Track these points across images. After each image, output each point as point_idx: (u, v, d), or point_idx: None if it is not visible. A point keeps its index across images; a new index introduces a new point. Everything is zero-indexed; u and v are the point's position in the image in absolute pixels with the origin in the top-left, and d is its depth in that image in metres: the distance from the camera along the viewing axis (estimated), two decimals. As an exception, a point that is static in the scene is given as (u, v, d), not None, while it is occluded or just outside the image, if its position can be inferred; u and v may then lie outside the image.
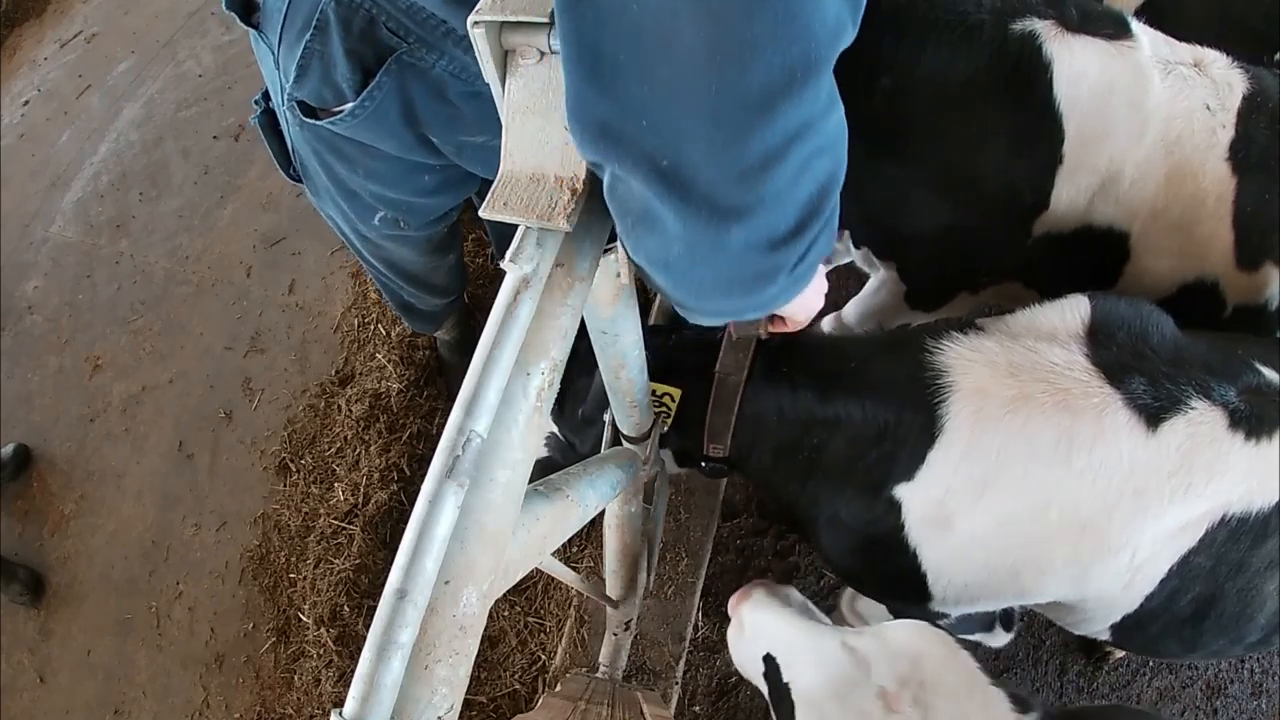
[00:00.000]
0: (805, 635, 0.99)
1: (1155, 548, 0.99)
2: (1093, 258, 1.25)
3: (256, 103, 1.31)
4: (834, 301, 2.15)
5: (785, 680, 0.97)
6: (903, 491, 1.06)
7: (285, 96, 1.15)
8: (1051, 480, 0.98)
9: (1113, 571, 1.02)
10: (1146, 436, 0.95)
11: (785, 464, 1.17)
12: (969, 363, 1.04)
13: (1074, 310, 1.06)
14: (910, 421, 1.04)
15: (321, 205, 1.45)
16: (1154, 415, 0.95)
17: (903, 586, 1.15)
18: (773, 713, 0.99)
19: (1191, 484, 0.95)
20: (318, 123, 1.15)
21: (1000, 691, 0.84)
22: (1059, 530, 1.00)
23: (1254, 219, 1.16)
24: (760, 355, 1.13)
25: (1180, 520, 0.97)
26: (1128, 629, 1.09)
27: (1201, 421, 0.95)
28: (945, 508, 1.04)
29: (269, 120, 1.31)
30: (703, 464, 1.24)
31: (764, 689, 1.02)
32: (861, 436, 1.08)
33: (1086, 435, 0.96)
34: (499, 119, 0.63)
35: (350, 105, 1.11)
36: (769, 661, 1.01)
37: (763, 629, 1.05)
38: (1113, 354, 1.00)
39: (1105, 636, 1.15)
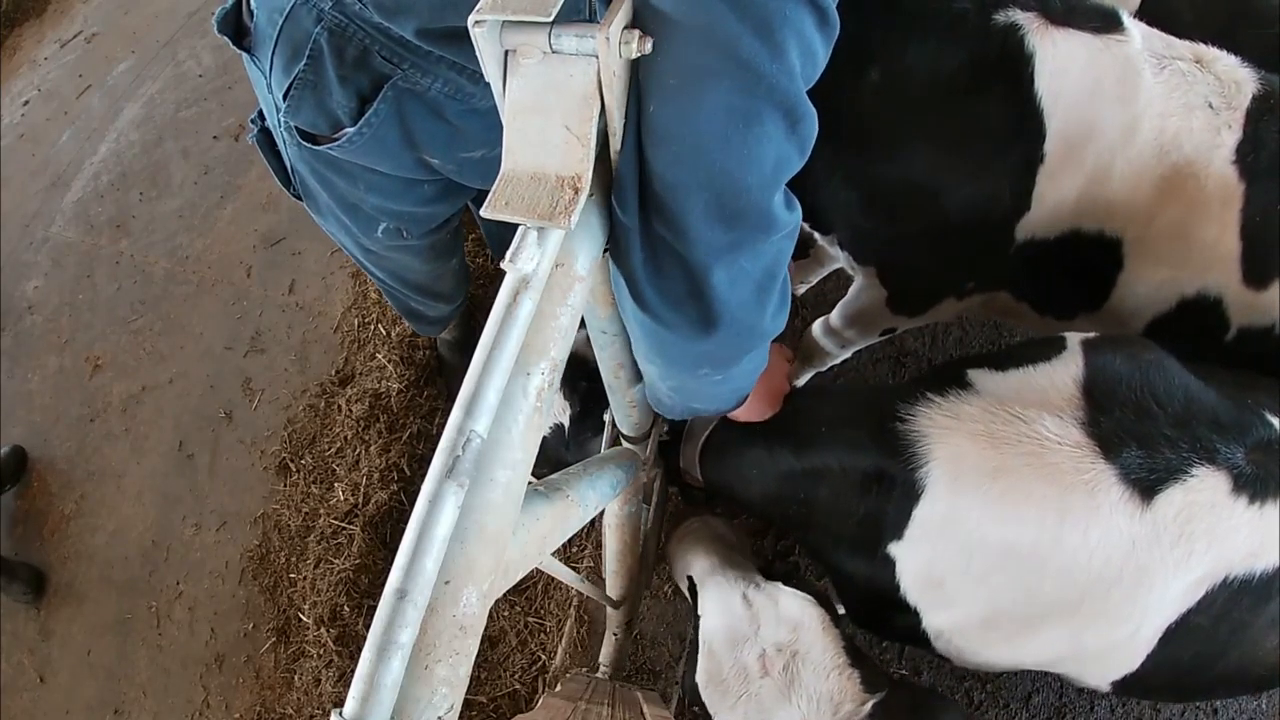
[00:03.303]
0: (718, 579, 1.14)
1: (1156, 615, 0.97)
2: (1083, 266, 1.20)
3: (253, 121, 1.29)
4: (830, 302, 2.16)
5: (699, 611, 1.12)
6: (895, 550, 1.05)
7: (280, 119, 1.14)
8: (1041, 555, 0.95)
9: (1113, 642, 1.00)
10: (1142, 511, 0.92)
11: (777, 517, 1.19)
12: (945, 430, 1.00)
13: (1066, 369, 1.01)
14: (891, 483, 1.02)
15: (325, 223, 1.44)
16: (1149, 487, 0.92)
17: (911, 641, 1.15)
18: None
19: (1193, 551, 0.92)
20: (316, 147, 1.14)
21: (856, 672, 0.99)
22: (1055, 603, 0.98)
23: (1264, 229, 1.08)
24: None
25: (1181, 586, 0.95)
26: (1128, 685, 1.08)
27: (1200, 489, 0.91)
28: (936, 570, 1.03)
29: (266, 139, 1.29)
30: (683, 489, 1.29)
31: (688, 597, 1.22)
32: (844, 495, 1.07)
33: (1079, 512, 0.93)
34: (498, 132, 0.62)
35: (349, 131, 1.09)
36: (691, 581, 1.20)
37: (688, 557, 1.24)
38: (1112, 419, 0.95)
39: (1105, 690, 1.14)
